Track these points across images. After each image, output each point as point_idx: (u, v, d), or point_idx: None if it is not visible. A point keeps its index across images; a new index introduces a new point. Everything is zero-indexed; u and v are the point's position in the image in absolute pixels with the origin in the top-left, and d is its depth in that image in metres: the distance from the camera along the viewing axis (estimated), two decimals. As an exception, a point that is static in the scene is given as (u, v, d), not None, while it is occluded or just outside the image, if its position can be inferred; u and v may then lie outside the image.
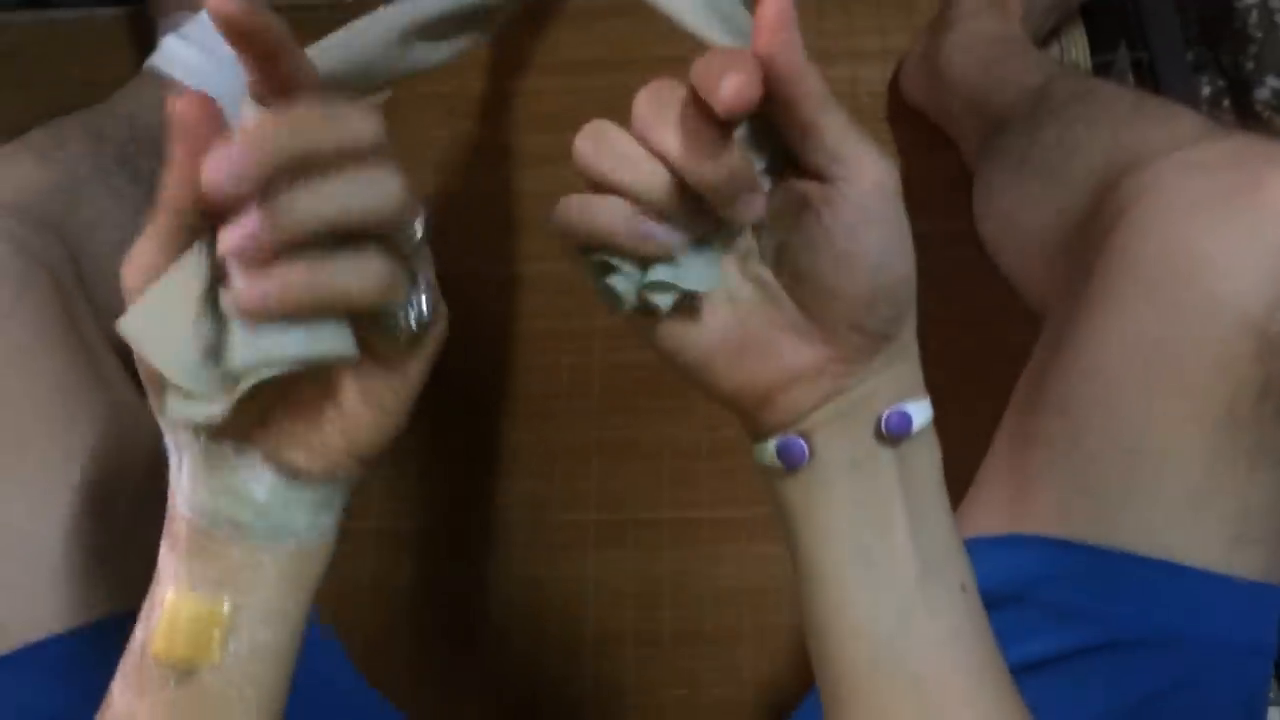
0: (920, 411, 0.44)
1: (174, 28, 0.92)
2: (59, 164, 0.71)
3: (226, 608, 0.41)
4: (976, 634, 0.44)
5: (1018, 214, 0.70)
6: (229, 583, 0.41)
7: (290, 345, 0.37)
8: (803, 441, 0.44)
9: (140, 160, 0.79)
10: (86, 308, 0.67)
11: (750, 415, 0.45)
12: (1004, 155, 0.74)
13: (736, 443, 0.86)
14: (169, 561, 0.42)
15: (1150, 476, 0.54)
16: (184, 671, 0.41)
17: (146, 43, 0.97)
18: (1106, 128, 0.64)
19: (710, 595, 0.81)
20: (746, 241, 0.44)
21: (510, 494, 0.86)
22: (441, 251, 0.93)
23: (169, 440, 0.42)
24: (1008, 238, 0.72)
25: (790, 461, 0.44)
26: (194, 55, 0.90)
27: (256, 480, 0.42)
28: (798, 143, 0.41)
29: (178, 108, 0.37)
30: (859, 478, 0.44)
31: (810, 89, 0.39)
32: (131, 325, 0.38)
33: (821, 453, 0.44)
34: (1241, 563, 0.53)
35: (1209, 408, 0.53)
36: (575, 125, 1.03)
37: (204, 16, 0.92)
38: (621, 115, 1.02)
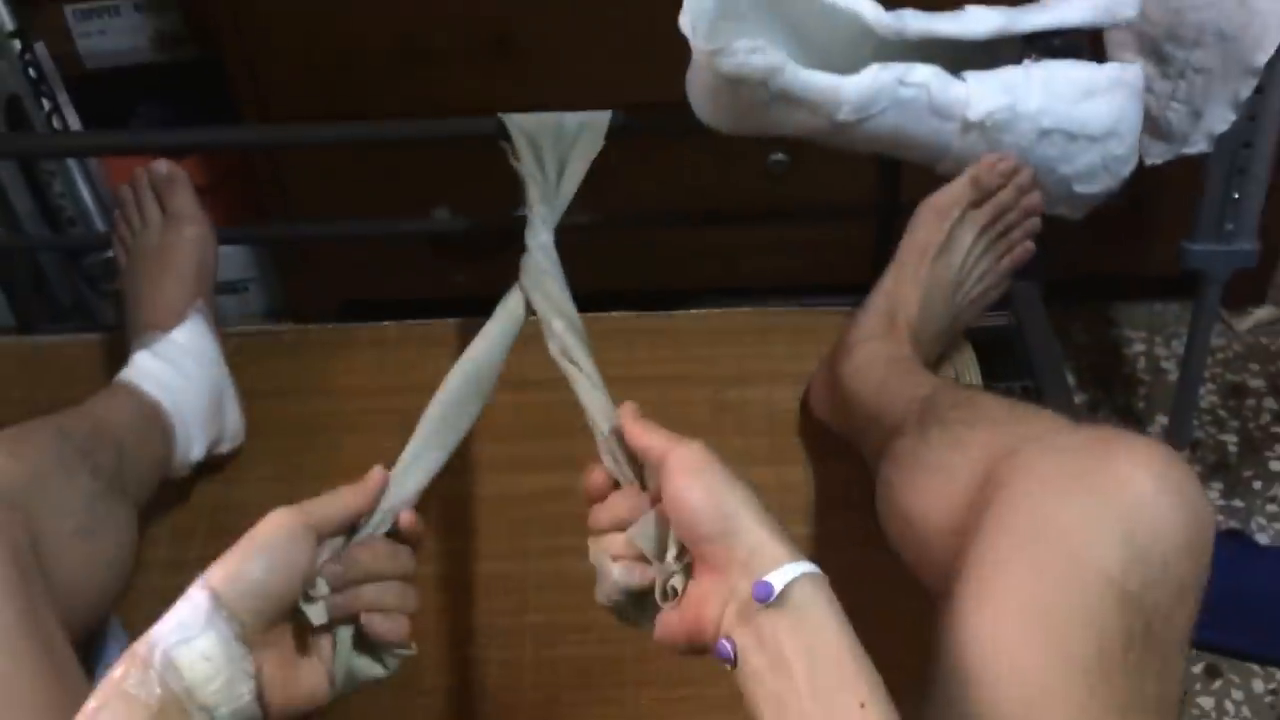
0: (781, 577, 0.57)
1: (145, 346, 1.00)
2: (25, 459, 0.78)
3: None
4: None
5: (914, 508, 0.79)
6: None
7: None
8: (725, 642, 0.60)
9: (100, 456, 0.86)
10: (44, 590, 0.72)
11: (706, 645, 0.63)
12: (899, 458, 0.83)
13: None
14: None
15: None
16: None
17: (120, 366, 1.05)
18: (984, 427, 0.74)
19: None
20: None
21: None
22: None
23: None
24: (908, 531, 0.80)
25: (725, 656, 0.60)
26: (163, 370, 0.99)
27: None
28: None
29: None
30: (764, 649, 0.57)
31: (632, 432, 0.72)
32: None
33: (740, 641, 0.59)
34: None
35: (1081, 658, 0.60)
36: (512, 436, 1.11)
37: (174, 335, 1.02)
38: (560, 427, 1.10)
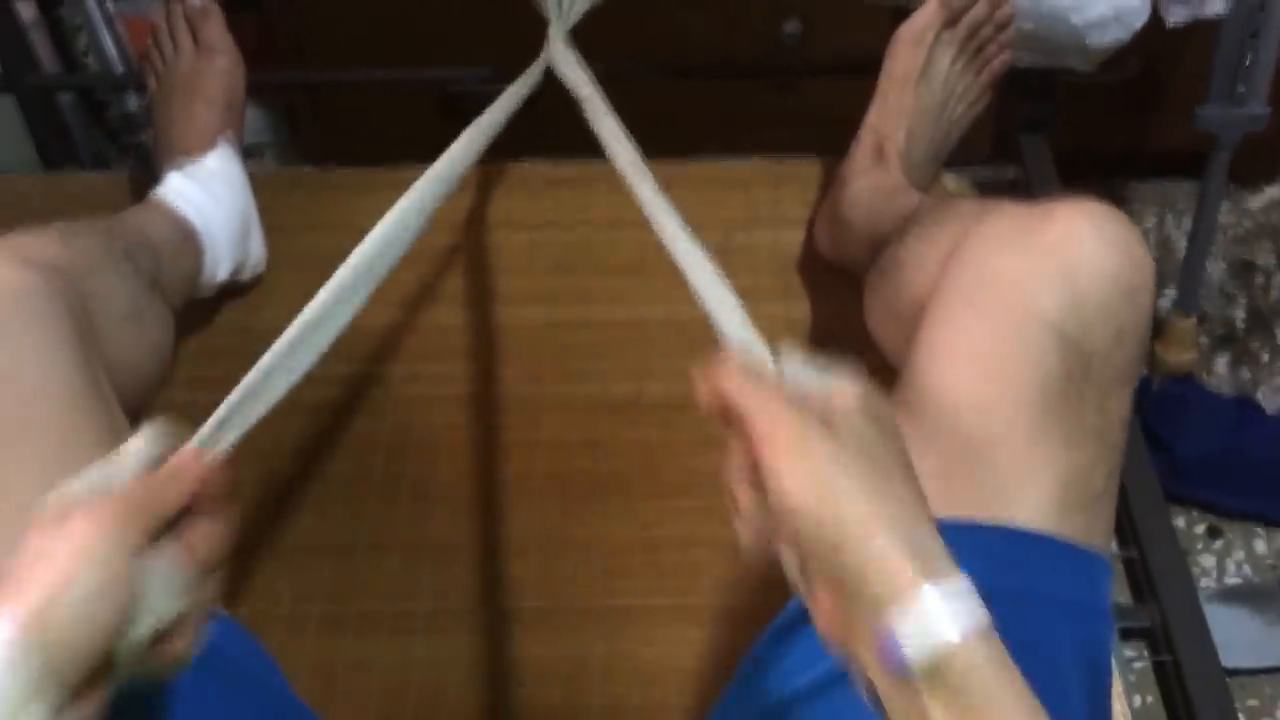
0: (913, 636, 0.44)
1: (177, 169, 1.03)
2: (76, 247, 0.81)
3: None
4: None
5: (893, 304, 0.83)
6: None
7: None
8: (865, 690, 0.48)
9: (141, 258, 0.89)
10: (100, 362, 0.76)
11: None
12: (881, 262, 0.88)
13: (666, 540, 0.94)
14: None
15: (984, 454, 0.64)
16: None
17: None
18: (954, 222, 0.77)
19: (638, 674, 0.87)
20: None
21: (450, 581, 0.92)
22: (406, 371, 1.03)
23: None
24: (887, 326, 0.85)
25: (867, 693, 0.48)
26: (194, 190, 1.02)
27: None
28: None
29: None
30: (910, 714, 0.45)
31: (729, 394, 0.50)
32: None
33: (881, 690, 0.46)
34: (1070, 529, 0.63)
35: (1024, 394, 0.64)
36: (527, 270, 1.15)
37: (206, 161, 1.05)
38: (567, 266, 1.13)
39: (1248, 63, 1.41)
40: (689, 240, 0.65)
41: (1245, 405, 1.55)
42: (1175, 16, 1.39)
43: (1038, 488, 0.63)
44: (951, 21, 1.02)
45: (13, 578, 0.49)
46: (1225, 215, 1.79)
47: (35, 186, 1.25)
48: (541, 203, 1.18)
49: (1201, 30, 1.41)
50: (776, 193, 1.18)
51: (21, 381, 0.68)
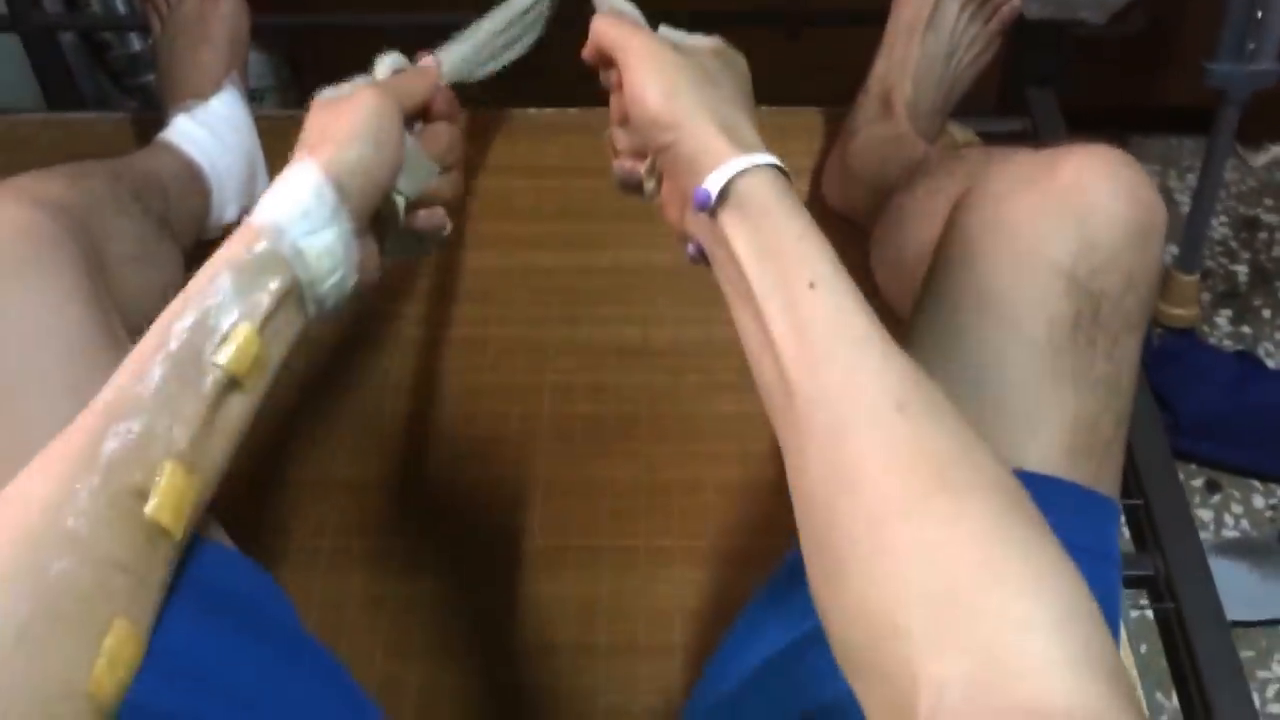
0: (720, 176, 0.56)
1: (184, 111, 1.03)
2: (84, 188, 0.81)
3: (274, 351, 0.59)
4: (837, 313, 0.53)
5: (900, 254, 0.83)
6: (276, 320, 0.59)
7: None
8: (691, 246, 0.61)
9: (149, 199, 0.89)
10: (111, 304, 0.75)
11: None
12: (888, 212, 0.88)
13: (673, 483, 0.94)
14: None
15: (993, 399, 0.64)
16: (234, 385, 0.57)
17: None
18: (962, 172, 0.77)
19: (645, 613, 0.88)
20: None
21: (458, 521, 0.92)
22: (415, 311, 1.03)
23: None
24: (894, 277, 0.85)
25: (693, 258, 0.62)
26: (200, 133, 1.01)
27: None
28: None
29: None
30: (719, 246, 0.57)
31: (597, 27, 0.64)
32: None
33: (702, 241, 0.59)
34: (1079, 474, 0.63)
35: (1032, 338, 0.64)
36: (533, 217, 1.15)
37: (211, 103, 1.04)
38: (575, 210, 1.13)
39: (1258, 16, 1.41)
40: None
41: (1246, 361, 1.56)
42: (1185, -31, 1.38)
43: (1047, 432, 0.64)
44: None
45: (306, 143, 0.63)
46: (1230, 172, 1.80)
47: (40, 127, 1.25)
48: (549, 149, 1.18)
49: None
50: (783, 142, 1.15)
51: (32, 321, 0.68)
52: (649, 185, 0.65)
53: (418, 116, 0.71)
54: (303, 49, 1.78)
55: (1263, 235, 1.75)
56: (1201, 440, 1.50)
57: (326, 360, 1.01)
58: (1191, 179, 1.78)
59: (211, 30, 1.07)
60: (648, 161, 0.64)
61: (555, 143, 1.18)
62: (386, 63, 0.73)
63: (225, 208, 1.02)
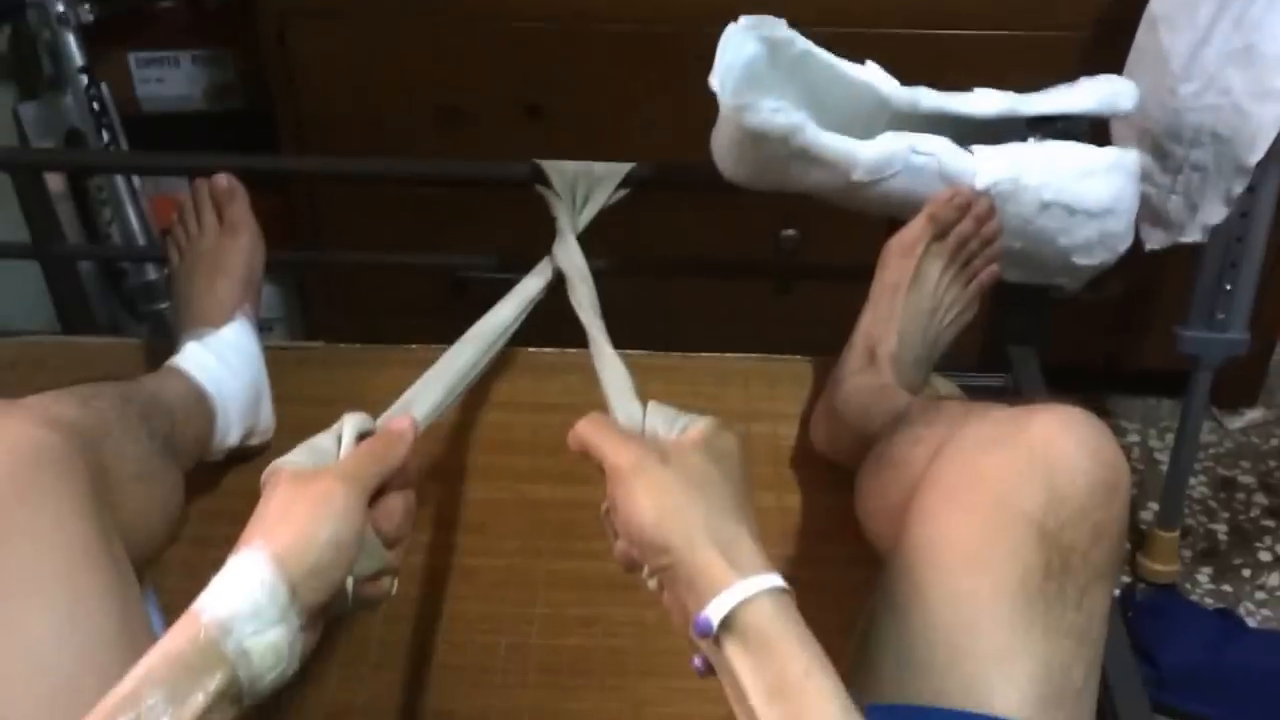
0: (720, 606, 0.58)
1: (195, 338, 1.07)
2: (94, 408, 0.84)
3: None
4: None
5: (882, 499, 0.87)
6: None
7: None
8: (697, 659, 0.64)
9: (155, 421, 0.92)
10: (113, 521, 0.78)
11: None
12: (871, 459, 0.91)
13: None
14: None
15: (966, 643, 0.66)
16: None
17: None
18: (942, 424, 0.81)
19: None
20: None
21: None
22: (410, 540, 1.04)
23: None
24: (877, 520, 0.88)
25: (699, 669, 0.64)
26: (210, 360, 1.05)
27: None
28: None
29: None
30: (722, 670, 0.60)
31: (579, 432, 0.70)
32: None
33: (707, 655, 0.62)
34: None
35: (1005, 585, 0.67)
36: (530, 451, 1.17)
37: (223, 332, 1.08)
38: (570, 448, 1.15)
39: (1227, 288, 1.48)
40: (615, 358, 0.86)
41: (1228, 618, 1.57)
42: (1154, 241, 1.46)
43: (1019, 680, 0.65)
44: (940, 235, 1.08)
45: (264, 524, 0.63)
46: (1207, 434, 1.84)
47: (55, 349, 1.29)
48: (547, 387, 1.22)
49: (1189, 254, 1.48)
50: (773, 388, 1.22)
51: (37, 536, 0.71)
52: (650, 584, 0.67)
53: (380, 493, 0.71)
54: (311, 282, 1.85)
55: (1240, 496, 1.79)
56: (1183, 695, 1.49)
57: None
58: (1171, 439, 1.82)
59: (229, 263, 1.12)
60: (645, 569, 0.66)
61: (556, 381, 1.22)
62: (353, 426, 0.73)
63: (229, 432, 1.05)
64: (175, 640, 0.58)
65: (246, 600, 0.60)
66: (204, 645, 0.58)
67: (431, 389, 0.83)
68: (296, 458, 0.70)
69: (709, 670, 0.62)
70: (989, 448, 0.72)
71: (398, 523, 0.71)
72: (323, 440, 0.72)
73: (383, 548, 0.70)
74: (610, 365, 0.86)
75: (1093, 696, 0.68)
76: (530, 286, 1.04)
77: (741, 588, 0.58)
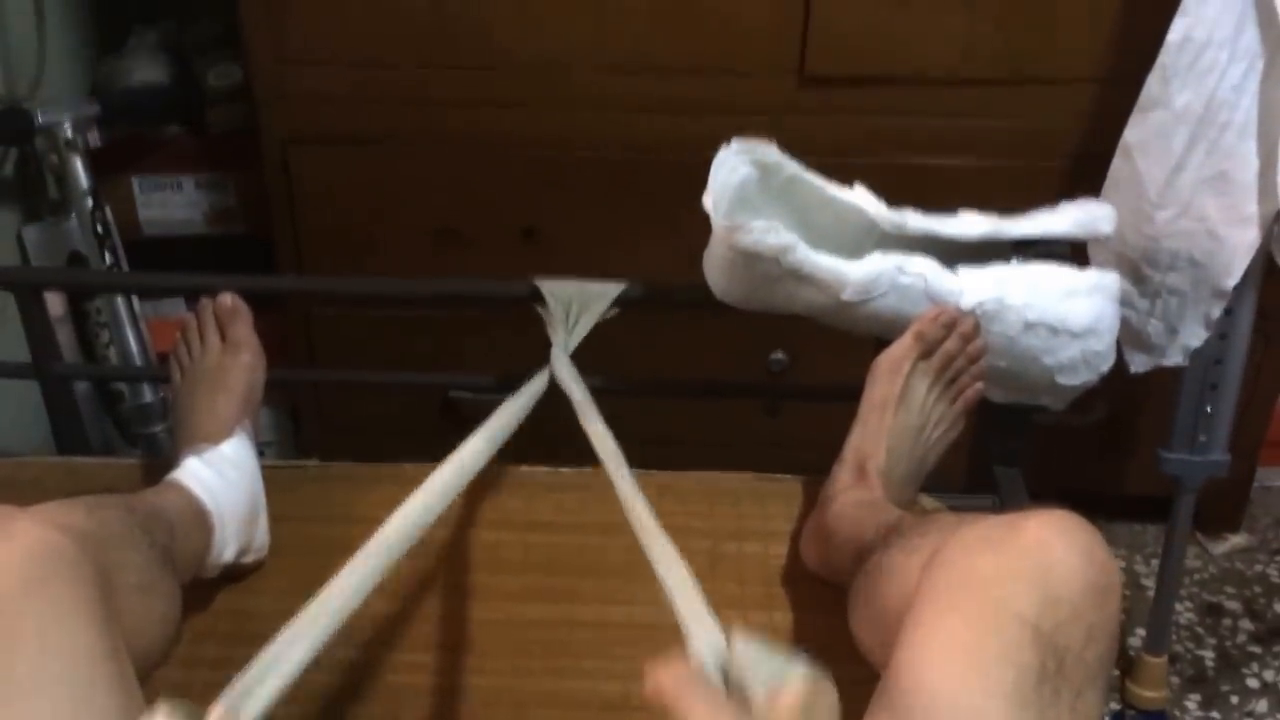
0: None
1: (195, 454, 1.08)
2: (100, 518, 0.86)
3: None
4: None
5: (875, 611, 0.87)
6: None
7: None
8: None
9: (156, 534, 0.92)
10: (118, 629, 0.78)
11: None
12: (865, 571, 0.92)
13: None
14: None
15: None
16: None
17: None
18: (935, 533, 0.83)
19: None
20: None
21: None
22: (399, 660, 1.04)
23: None
24: (871, 631, 0.89)
25: None
26: (209, 475, 1.06)
27: None
28: None
29: None
30: None
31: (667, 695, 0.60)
32: None
33: None
34: None
35: (1000, 687, 0.67)
36: (520, 570, 1.17)
37: (223, 448, 1.10)
38: (562, 565, 1.16)
39: (1208, 411, 1.50)
40: (664, 539, 0.79)
41: (1220, 746, 1.56)
42: (1137, 365, 1.49)
43: None
44: (926, 353, 1.10)
45: None
46: (1192, 560, 1.85)
47: (52, 469, 1.30)
48: (538, 505, 1.23)
49: (1171, 380, 1.50)
50: (764, 507, 1.23)
51: (45, 637, 0.71)
52: None
53: None
54: (306, 403, 1.86)
55: (1227, 622, 1.79)
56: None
57: (306, 710, 1.01)
58: (1156, 564, 1.83)
59: (230, 380, 1.14)
60: None
61: (547, 500, 1.23)
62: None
63: (226, 547, 1.06)
64: None
65: None
66: None
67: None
68: None
69: None
70: (982, 551, 0.73)
71: None
72: None
73: None
74: (668, 562, 0.78)
75: (1089, 801, 0.69)
76: (525, 398, 1.07)
77: None
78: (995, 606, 0.70)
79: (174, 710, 0.62)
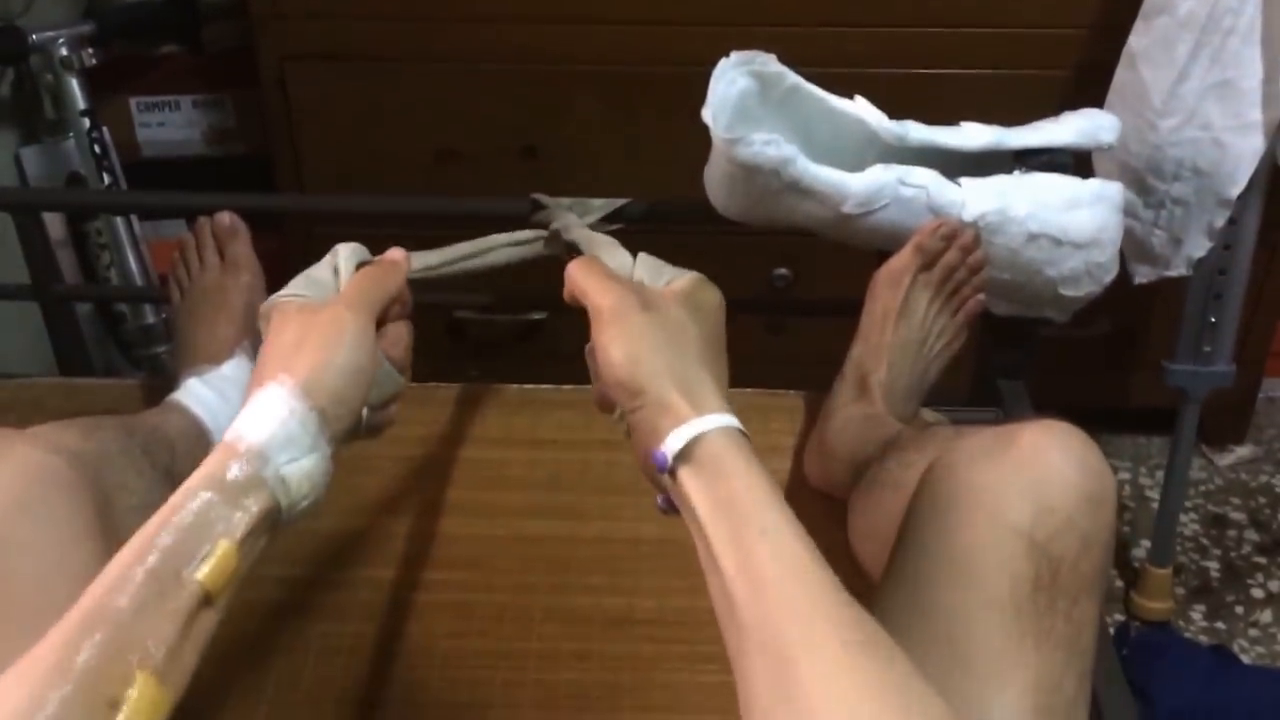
0: (677, 439, 0.61)
1: (196, 375, 1.08)
2: (98, 439, 0.86)
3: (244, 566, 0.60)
4: (785, 558, 0.57)
5: (874, 523, 0.88)
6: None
7: None
8: (660, 498, 0.66)
9: (156, 454, 0.93)
10: (116, 541, 0.78)
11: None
12: (864, 483, 0.93)
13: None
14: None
15: (960, 657, 0.67)
16: (207, 600, 0.58)
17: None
18: (932, 447, 0.83)
19: None
20: None
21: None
22: (404, 577, 1.04)
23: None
24: (868, 543, 0.89)
25: (664, 509, 0.66)
26: (210, 395, 1.06)
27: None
28: None
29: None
30: (683, 505, 0.63)
31: (570, 274, 0.71)
32: None
33: (671, 495, 0.64)
34: None
35: (995, 598, 0.68)
36: (525, 487, 1.18)
37: (223, 369, 1.09)
38: (566, 482, 1.16)
39: (1212, 321, 1.49)
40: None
41: (1222, 654, 1.57)
42: (1140, 276, 1.48)
43: (1012, 693, 0.66)
44: (927, 265, 1.10)
45: (281, 356, 0.65)
46: (1197, 472, 1.85)
47: (53, 390, 1.30)
48: (543, 423, 1.23)
49: (1174, 291, 1.50)
50: (766, 422, 1.23)
51: (42, 557, 0.72)
52: (620, 429, 0.69)
53: (381, 321, 0.73)
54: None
55: (1232, 533, 1.79)
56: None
57: (308, 624, 1.02)
58: (1161, 476, 1.83)
59: (229, 301, 1.14)
60: (617, 412, 0.69)
61: (550, 418, 1.23)
62: (348, 255, 0.75)
63: (228, 468, 1.06)
64: (215, 467, 0.61)
65: (281, 429, 0.62)
66: (244, 473, 0.61)
67: (426, 255, 0.88)
68: (296, 290, 0.72)
69: (671, 508, 0.65)
70: (977, 462, 0.73)
71: (404, 347, 0.74)
72: (319, 271, 0.74)
73: (394, 372, 0.72)
74: (598, 235, 0.87)
75: (1085, 705, 0.69)
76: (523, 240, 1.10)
77: (697, 424, 0.61)
78: (989, 516, 0.70)
79: (351, 250, 0.76)
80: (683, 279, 0.72)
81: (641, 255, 0.76)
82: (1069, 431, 0.72)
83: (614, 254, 0.78)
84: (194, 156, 1.87)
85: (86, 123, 1.68)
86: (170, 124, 1.85)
